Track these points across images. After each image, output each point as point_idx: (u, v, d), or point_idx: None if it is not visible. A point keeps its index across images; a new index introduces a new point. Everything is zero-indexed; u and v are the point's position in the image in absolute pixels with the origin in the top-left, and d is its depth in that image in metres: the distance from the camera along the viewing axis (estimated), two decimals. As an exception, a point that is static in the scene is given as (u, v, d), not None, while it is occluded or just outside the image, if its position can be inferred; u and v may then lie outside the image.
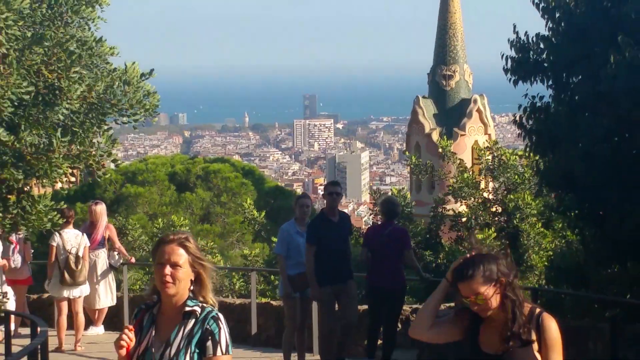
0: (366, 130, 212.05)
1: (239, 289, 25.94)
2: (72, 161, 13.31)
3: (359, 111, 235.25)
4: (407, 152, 36.89)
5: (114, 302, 22.64)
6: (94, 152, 13.85)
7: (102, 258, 21.54)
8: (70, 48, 12.61)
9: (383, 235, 15.00)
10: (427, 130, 37.47)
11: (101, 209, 21.71)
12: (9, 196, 12.72)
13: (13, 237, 19.55)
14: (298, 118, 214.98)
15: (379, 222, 17.50)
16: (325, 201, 15.95)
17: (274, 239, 27.55)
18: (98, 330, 21.90)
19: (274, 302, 21.70)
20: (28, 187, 13.78)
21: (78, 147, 13.22)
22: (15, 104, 11.87)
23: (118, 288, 23.31)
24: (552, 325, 4.82)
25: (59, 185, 18.35)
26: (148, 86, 13.58)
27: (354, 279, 15.12)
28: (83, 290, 20.68)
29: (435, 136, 35.86)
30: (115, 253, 21.79)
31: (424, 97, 38.80)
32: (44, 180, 12.99)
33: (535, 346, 4.81)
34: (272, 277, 26.36)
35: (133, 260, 24.39)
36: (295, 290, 15.13)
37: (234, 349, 18.83)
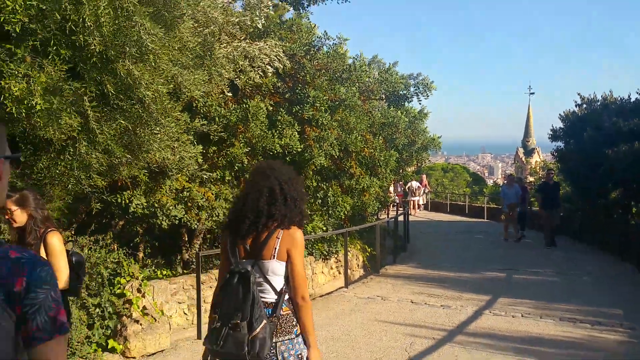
0: (500, 158, 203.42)
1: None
2: (406, 165, 14.99)
3: (500, 151, 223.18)
4: (516, 162, 38.13)
5: (423, 202, 24.76)
6: (416, 165, 15.45)
7: (422, 190, 23.49)
8: (405, 119, 13.33)
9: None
10: (521, 156, 36.85)
11: (424, 176, 24.21)
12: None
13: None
14: (481, 153, 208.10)
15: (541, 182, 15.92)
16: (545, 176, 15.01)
17: (475, 187, 32.30)
18: (418, 211, 23.90)
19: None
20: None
21: (411, 161, 14.67)
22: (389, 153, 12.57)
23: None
24: (51, 240, 3.60)
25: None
26: (435, 136, 14.63)
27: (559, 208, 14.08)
28: (416, 199, 23.53)
29: (524, 159, 35.91)
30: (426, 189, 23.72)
31: (520, 147, 38.35)
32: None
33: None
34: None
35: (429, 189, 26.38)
36: (509, 210, 14.70)
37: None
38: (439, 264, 11.77)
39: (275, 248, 2.67)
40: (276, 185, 2.76)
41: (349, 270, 9.95)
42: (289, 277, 2.72)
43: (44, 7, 4.06)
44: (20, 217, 3.70)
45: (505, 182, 17.47)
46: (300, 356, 2.71)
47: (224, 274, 2.75)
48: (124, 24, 4.54)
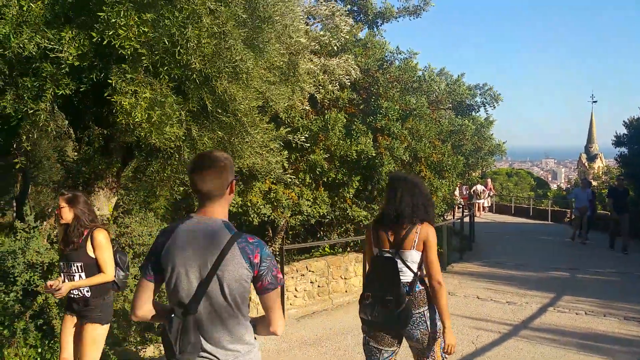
0: (562, 163, 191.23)
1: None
2: (472, 169, 14.46)
3: (563, 157, 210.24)
4: (579, 167, 36.66)
5: (488, 205, 23.73)
6: (482, 167, 14.68)
7: (487, 193, 21.88)
8: (472, 127, 12.61)
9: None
10: (584, 162, 35.52)
11: (489, 180, 22.49)
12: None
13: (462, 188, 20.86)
14: (545, 159, 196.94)
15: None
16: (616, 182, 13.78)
17: (539, 191, 30.33)
18: (483, 213, 22.77)
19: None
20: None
21: (477, 166, 14.11)
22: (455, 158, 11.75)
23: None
24: (98, 236, 3.61)
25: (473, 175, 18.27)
26: (501, 142, 13.66)
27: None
28: (481, 201, 22.35)
29: (587, 164, 34.55)
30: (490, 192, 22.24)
31: (583, 153, 36.70)
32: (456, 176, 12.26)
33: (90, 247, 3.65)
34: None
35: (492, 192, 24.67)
36: (580, 213, 13.86)
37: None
38: (504, 263, 11.39)
39: (415, 240, 3.03)
40: (422, 189, 3.16)
41: (417, 267, 9.78)
42: (423, 264, 3.06)
43: (153, 35, 4.30)
44: (67, 214, 3.70)
45: (570, 186, 17.19)
46: (438, 317, 3.11)
47: (369, 259, 3.20)
48: (220, 46, 4.73)
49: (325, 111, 9.69)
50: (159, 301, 2.21)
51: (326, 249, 9.17)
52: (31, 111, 4.23)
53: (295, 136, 7.96)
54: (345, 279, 8.42)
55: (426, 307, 3.06)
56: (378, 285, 2.98)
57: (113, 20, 3.93)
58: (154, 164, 6.08)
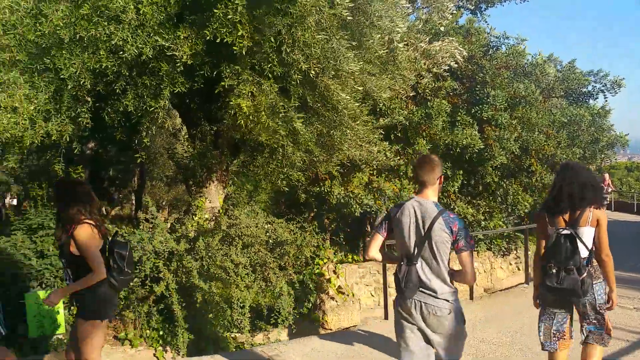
0: None
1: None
2: (589, 163, 12.27)
3: None
4: None
5: (607, 202, 20.88)
6: (601, 160, 12.83)
7: (605, 189, 18.63)
8: (588, 116, 11.48)
9: None
10: None
11: (606, 175, 19.44)
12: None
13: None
14: None
15: None
16: None
17: None
18: None
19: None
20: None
21: (595, 160, 12.29)
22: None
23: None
24: (77, 233, 3.23)
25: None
26: (622, 134, 12.44)
27: None
28: None
29: None
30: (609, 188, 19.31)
31: None
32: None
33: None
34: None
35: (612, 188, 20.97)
36: None
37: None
38: (627, 264, 10.24)
39: (589, 217, 3.43)
40: (592, 176, 3.57)
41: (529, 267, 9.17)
42: (594, 240, 3.45)
43: (264, 31, 4.39)
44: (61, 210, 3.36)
45: None
46: (605, 291, 3.52)
47: (542, 240, 3.61)
48: (326, 47, 4.76)
49: (426, 101, 9.44)
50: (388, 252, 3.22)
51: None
52: (150, 109, 4.52)
53: (394, 122, 7.84)
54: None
55: (599, 280, 3.45)
56: (560, 257, 3.36)
57: (230, 17, 3.97)
58: (259, 158, 6.28)
